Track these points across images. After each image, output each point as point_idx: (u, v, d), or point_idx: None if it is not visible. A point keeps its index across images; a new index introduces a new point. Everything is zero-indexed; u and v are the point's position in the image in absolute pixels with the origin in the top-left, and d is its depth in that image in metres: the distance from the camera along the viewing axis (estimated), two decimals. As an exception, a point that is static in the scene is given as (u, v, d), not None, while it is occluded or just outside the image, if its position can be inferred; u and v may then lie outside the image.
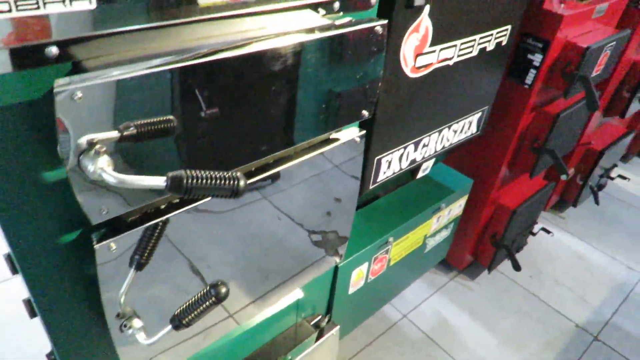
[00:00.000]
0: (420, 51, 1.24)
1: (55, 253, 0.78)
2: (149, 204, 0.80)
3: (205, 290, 0.72)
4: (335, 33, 0.86)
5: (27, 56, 0.59)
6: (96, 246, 0.74)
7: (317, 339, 1.56)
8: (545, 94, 1.99)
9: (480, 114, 1.71)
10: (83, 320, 0.90)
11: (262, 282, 1.13)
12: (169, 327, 0.77)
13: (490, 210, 2.34)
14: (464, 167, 2.21)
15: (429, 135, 1.51)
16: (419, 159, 1.55)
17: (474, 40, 1.40)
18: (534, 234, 2.63)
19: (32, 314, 0.84)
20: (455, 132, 1.63)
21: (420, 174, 1.68)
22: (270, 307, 1.29)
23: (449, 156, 2.21)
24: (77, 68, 0.66)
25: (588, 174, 2.83)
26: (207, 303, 0.72)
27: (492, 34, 1.46)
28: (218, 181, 0.61)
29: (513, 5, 1.46)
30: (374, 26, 0.92)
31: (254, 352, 1.42)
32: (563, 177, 2.08)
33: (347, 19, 0.95)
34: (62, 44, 0.62)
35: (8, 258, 0.78)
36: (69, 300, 0.85)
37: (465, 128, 1.68)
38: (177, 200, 0.85)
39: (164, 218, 0.81)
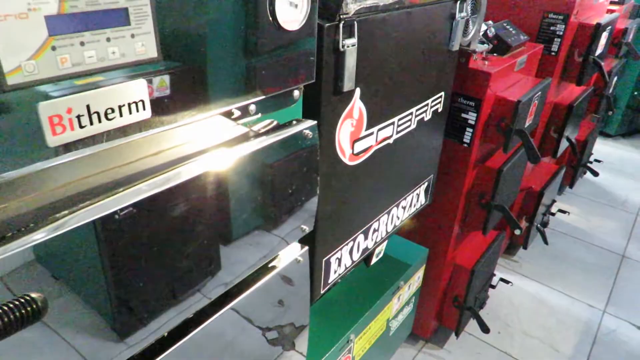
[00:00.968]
0: (357, 136, 1.10)
1: None
2: None
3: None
4: (251, 148, 0.68)
5: None
6: None
7: None
8: (485, 148, 1.94)
9: (427, 183, 1.59)
10: None
11: None
12: None
13: (449, 273, 2.20)
14: (414, 234, 2.08)
15: (378, 219, 1.35)
16: (370, 246, 1.38)
17: (411, 113, 1.29)
18: (493, 287, 2.53)
19: None
20: (404, 208, 1.49)
21: (374, 260, 1.51)
22: None
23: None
24: None
25: (532, 215, 2.81)
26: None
27: (427, 104, 1.36)
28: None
29: (443, 72, 1.38)
30: (300, 130, 0.75)
31: None
32: (517, 232, 2.00)
33: (267, 122, 0.78)
34: None
35: None
36: None
37: (414, 201, 1.54)
38: None
39: None
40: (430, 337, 2.39)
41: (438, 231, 2.07)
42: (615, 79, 3.45)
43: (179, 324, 0.69)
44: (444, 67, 1.37)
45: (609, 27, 2.52)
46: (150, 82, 0.57)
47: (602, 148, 4.46)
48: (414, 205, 1.56)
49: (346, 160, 1.09)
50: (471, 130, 1.80)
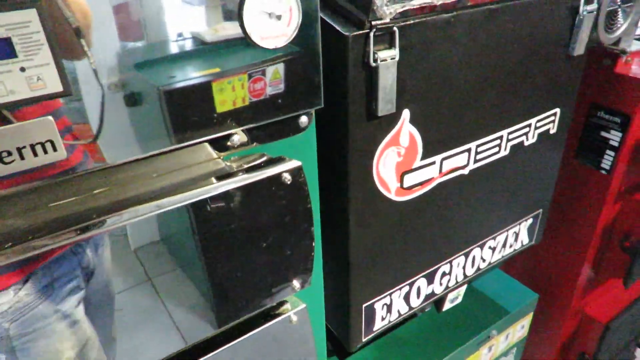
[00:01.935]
0: (408, 167, 0.89)
1: None
2: None
3: None
4: (205, 193, 0.56)
5: None
6: None
7: None
8: (632, 177, 1.48)
9: (531, 220, 1.26)
10: None
11: None
12: None
13: (573, 324, 1.78)
14: (525, 273, 1.72)
15: (449, 262, 1.11)
16: (439, 291, 1.15)
17: (500, 137, 1.01)
18: (641, 348, 2.00)
19: None
20: (492, 249, 1.21)
21: (447, 306, 1.27)
22: None
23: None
24: None
25: None
26: None
27: (529, 125, 1.05)
28: None
29: (558, 83, 1.06)
30: (279, 174, 0.60)
31: None
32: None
33: (254, 157, 0.65)
34: None
35: None
36: None
37: (509, 241, 1.24)
38: None
39: None
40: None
41: (559, 274, 1.67)
42: None
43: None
44: (558, 77, 1.04)
45: None
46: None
47: None
48: (511, 246, 1.26)
49: (391, 195, 0.89)
50: (613, 153, 1.38)
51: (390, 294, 1.03)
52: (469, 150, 0.97)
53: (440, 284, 1.13)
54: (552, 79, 1.03)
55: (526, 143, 1.08)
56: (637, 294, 1.79)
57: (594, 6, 0.98)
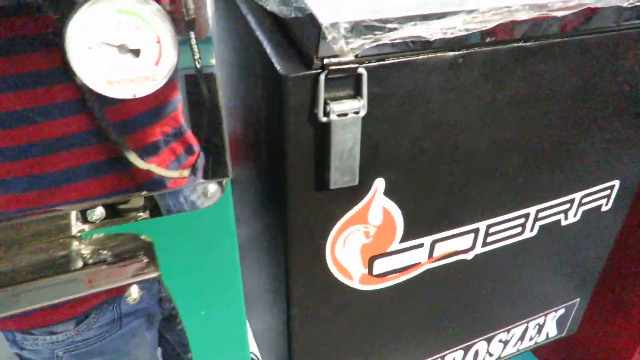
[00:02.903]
0: (380, 251, 0.65)
1: None
2: None
3: None
4: None
5: None
6: None
7: None
8: None
9: (562, 310, 0.98)
10: None
11: None
12: None
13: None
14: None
15: (442, 356, 0.87)
16: (425, 388, 0.90)
17: (525, 215, 0.74)
18: None
19: None
20: (504, 342, 0.94)
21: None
22: None
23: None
24: None
25: None
26: None
27: (572, 200, 0.78)
28: None
29: (623, 146, 0.77)
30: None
31: None
32: None
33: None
34: None
35: None
36: None
37: (530, 333, 0.97)
38: None
39: None
40: None
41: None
42: None
43: None
44: (621, 139, 0.76)
45: None
46: None
47: None
48: (532, 339, 0.99)
49: (353, 283, 0.66)
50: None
51: (352, 392, 0.80)
52: (475, 231, 0.71)
53: (427, 382, 0.89)
54: (612, 143, 0.75)
55: (564, 223, 0.80)
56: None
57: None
